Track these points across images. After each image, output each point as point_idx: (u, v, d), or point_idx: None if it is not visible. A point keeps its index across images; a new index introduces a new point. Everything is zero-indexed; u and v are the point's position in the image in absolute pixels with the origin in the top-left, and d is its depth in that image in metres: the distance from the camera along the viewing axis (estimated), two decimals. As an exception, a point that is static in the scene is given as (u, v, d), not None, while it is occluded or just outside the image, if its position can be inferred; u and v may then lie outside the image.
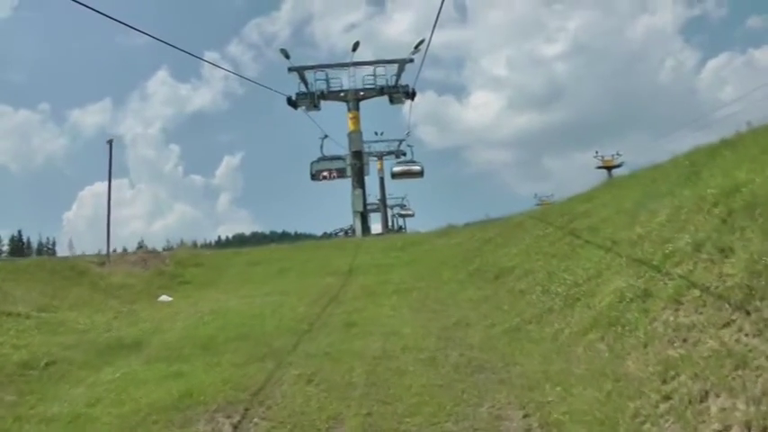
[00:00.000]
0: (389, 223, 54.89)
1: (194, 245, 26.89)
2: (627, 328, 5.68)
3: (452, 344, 7.44)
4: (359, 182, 33.62)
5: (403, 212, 64.77)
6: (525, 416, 5.00)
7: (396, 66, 34.42)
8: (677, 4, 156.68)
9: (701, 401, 4.05)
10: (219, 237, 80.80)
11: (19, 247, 74.70)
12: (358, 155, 34.00)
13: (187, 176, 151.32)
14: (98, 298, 13.20)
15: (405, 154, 45.27)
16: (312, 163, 34.97)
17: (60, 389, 6.94)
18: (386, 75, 34.67)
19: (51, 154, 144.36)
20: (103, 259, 16.81)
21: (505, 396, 5.46)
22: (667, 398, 4.34)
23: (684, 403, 4.14)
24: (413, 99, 35.82)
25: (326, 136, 35.21)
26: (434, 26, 11.93)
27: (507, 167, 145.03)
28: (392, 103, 35.57)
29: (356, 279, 13.63)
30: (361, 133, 34.78)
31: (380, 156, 50.31)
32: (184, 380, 6.82)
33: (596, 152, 48.04)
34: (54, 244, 74.41)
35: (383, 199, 53.22)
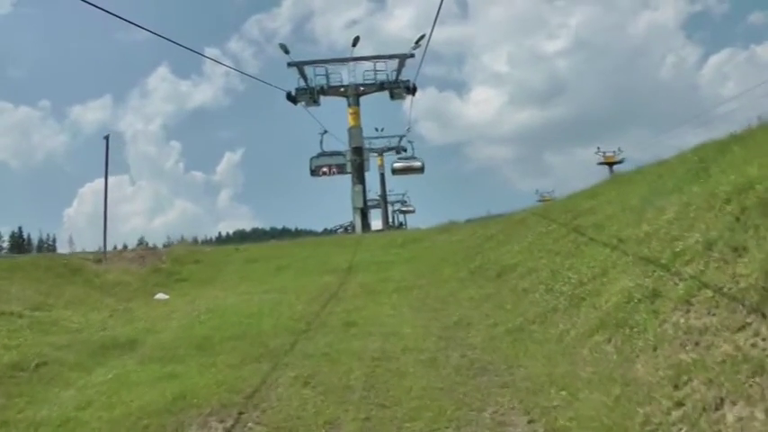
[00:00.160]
0: (390, 219, 54.79)
1: (195, 241, 26.76)
2: (635, 329, 5.48)
3: (453, 344, 7.25)
4: (359, 178, 33.42)
5: (404, 209, 64.79)
6: (530, 421, 4.81)
7: (396, 61, 34.21)
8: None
9: (717, 409, 3.86)
10: (220, 233, 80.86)
11: (19, 243, 74.67)
12: (358, 151, 33.79)
13: (188, 173, 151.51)
14: (93, 296, 13.01)
15: (405, 150, 45.34)
16: (312, 159, 34.81)
17: (50, 391, 6.74)
18: (386, 70, 34.55)
19: (52, 151, 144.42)
20: (100, 256, 16.61)
21: (509, 400, 5.26)
22: (680, 404, 4.15)
23: (698, 411, 3.95)
24: (413, 94, 35.65)
25: (326, 131, 35.11)
26: (435, 21, 11.70)
27: (508, 163, 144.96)
28: (393, 99, 35.35)
29: (356, 277, 13.43)
30: (361, 129, 34.60)
31: (381, 152, 50.19)
32: (178, 382, 6.63)
33: (598, 148, 48.21)
34: (54, 241, 74.40)
35: (384, 195, 53.12)
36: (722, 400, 3.87)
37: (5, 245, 73.09)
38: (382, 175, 51.64)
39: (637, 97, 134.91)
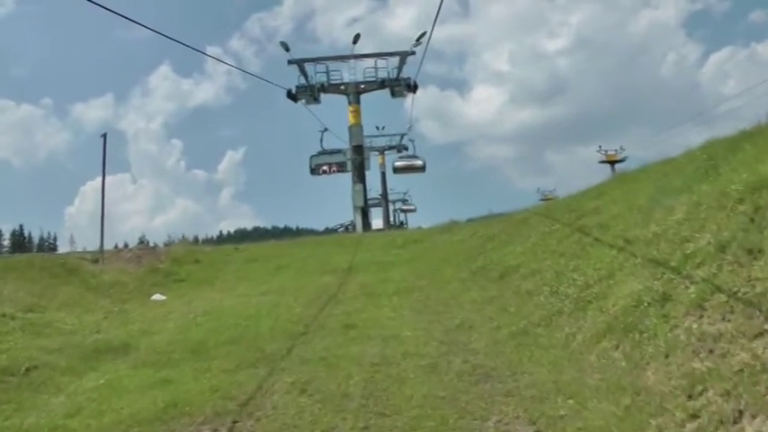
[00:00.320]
0: (391, 218, 54.55)
1: (195, 240, 26.54)
2: (645, 335, 5.27)
3: (455, 349, 7.04)
4: (359, 177, 33.16)
5: (405, 208, 64.52)
6: (536, 432, 4.59)
7: (397, 58, 33.89)
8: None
9: (735, 422, 3.66)
10: (221, 232, 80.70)
11: (20, 241, 74.65)
12: (359, 149, 33.52)
13: (189, 171, 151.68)
14: (89, 297, 12.79)
15: (407, 148, 45.08)
16: (312, 157, 34.57)
17: (39, 398, 6.55)
18: (387, 67, 34.19)
19: (53, 149, 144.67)
20: (97, 256, 16.39)
21: (513, 409, 5.05)
22: (694, 416, 3.95)
23: (714, 424, 3.75)
24: (415, 92, 35.35)
25: (326, 129, 34.85)
26: (435, 19, 11.52)
27: (509, 162, 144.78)
28: (393, 97, 35.04)
29: (356, 277, 13.20)
30: (361, 127, 34.31)
31: (382, 150, 49.92)
32: (171, 388, 6.44)
33: (599, 146, 48.11)
34: (55, 239, 74.49)
35: (384, 194, 52.83)
36: (741, 412, 3.67)
37: (6, 243, 73.10)
38: (383, 174, 51.44)
39: (638, 95, 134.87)
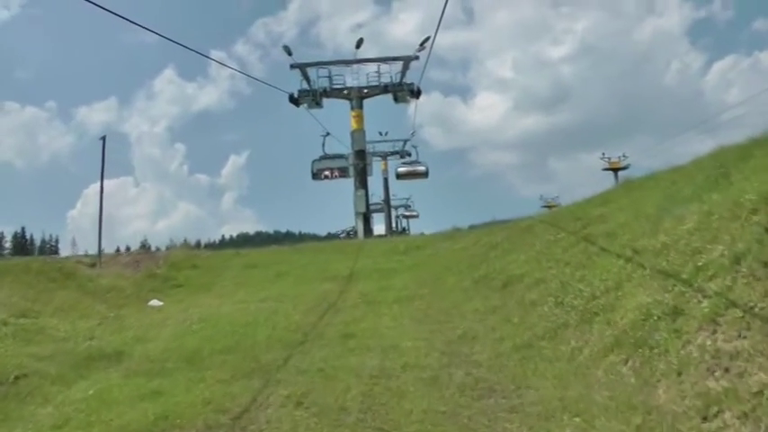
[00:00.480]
0: (393, 224, 54.32)
1: (197, 245, 26.32)
2: (655, 350, 5.05)
3: (457, 361, 6.81)
4: (361, 182, 32.93)
5: (407, 214, 64.23)
6: (541, 452, 4.37)
7: (400, 63, 33.66)
8: (684, 5, 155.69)
9: (755, 448, 3.42)
10: (223, 236, 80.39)
11: (22, 244, 74.50)
12: (361, 154, 33.30)
13: (192, 175, 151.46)
14: (85, 302, 12.56)
15: (410, 154, 44.93)
16: (313, 161, 34.33)
17: (26, 408, 6.34)
18: (390, 72, 33.98)
19: (57, 151, 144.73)
20: (95, 260, 16.19)
21: (518, 426, 4.82)
22: (710, 440, 3.71)
23: (732, 448, 3.51)
24: (418, 98, 35.09)
25: (328, 133, 34.61)
26: (439, 24, 11.31)
27: (512, 169, 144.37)
28: (397, 102, 34.78)
29: (356, 285, 12.97)
30: (364, 132, 34.07)
31: (384, 156, 49.72)
32: (162, 399, 6.22)
33: (603, 154, 47.97)
34: (57, 242, 74.24)
35: (387, 200, 52.60)
36: (761, 437, 3.44)
37: (8, 245, 72.96)
38: (386, 180, 51.22)
39: (641, 103, 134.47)
